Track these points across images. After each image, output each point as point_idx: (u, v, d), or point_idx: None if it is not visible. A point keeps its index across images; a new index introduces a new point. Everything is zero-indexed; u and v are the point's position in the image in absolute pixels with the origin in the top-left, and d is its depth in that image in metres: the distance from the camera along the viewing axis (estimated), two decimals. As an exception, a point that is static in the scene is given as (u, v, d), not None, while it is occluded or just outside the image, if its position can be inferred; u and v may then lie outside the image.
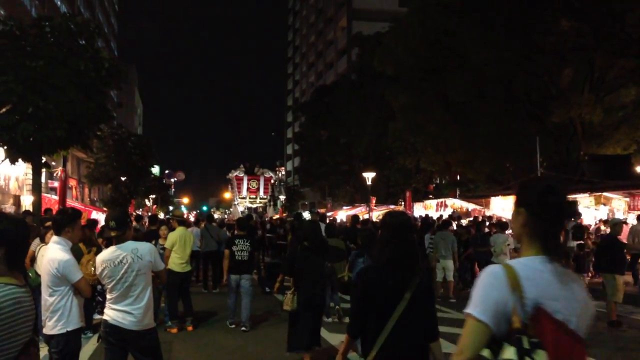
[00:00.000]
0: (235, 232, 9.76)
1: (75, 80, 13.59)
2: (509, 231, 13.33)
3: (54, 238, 4.50)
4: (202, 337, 8.33)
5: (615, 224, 9.73)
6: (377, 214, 28.08)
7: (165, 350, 7.25)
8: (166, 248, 8.91)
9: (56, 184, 24.04)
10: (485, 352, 1.83)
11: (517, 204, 2.06)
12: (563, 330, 1.84)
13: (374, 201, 29.18)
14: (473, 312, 1.89)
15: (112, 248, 4.38)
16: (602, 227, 14.82)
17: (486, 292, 1.90)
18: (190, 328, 8.74)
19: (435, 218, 18.45)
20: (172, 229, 9.74)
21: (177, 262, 8.87)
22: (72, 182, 36.62)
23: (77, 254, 6.24)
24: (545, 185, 2.02)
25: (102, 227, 7.68)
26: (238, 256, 8.67)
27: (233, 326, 8.90)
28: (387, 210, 12.14)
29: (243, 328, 8.62)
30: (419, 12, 21.60)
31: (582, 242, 13.28)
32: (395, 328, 3.01)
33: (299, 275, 6.54)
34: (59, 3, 35.48)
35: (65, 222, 4.52)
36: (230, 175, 54.55)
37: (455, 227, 15.73)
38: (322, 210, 21.66)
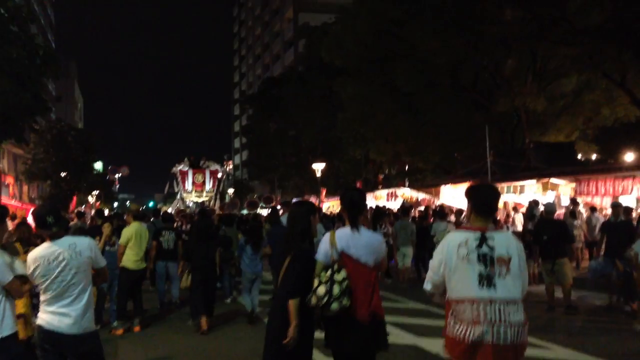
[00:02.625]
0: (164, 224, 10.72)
1: (7, 68, 12.72)
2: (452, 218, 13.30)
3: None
4: (152, 338, 7.87)
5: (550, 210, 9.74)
6: (327, 205, 27.95)
7: (111, 353, 6.80)
8: (120, 244, 8.39)
9: (-10, 182, 22.74)
10: (322, 273, 3.73)
11: (340, 200, 4.17)
12: (354, 261, 3.75)
13: (324, 192, 29.02)
14: (317, 257, 3.86)
15: (46, 244, 3.94)
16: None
17: (322, 246, 3.84)
18: (137, 328, 8.17)
19: (396, 209, 18.32)
20: (123, 225, 9.18)
21: (132, 259, 8.31)
22: (9, 180, 34.92)
23: (12, 253, 5.73)
24: (352, 192, 4.10)
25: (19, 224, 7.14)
26: (165, 245, 9.72)
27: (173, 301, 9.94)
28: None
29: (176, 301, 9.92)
30: (367, 1, 21.47)
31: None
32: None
33: (192, 260, 8.38)
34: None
35: None
36: (174, 169, 52.81)
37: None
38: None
